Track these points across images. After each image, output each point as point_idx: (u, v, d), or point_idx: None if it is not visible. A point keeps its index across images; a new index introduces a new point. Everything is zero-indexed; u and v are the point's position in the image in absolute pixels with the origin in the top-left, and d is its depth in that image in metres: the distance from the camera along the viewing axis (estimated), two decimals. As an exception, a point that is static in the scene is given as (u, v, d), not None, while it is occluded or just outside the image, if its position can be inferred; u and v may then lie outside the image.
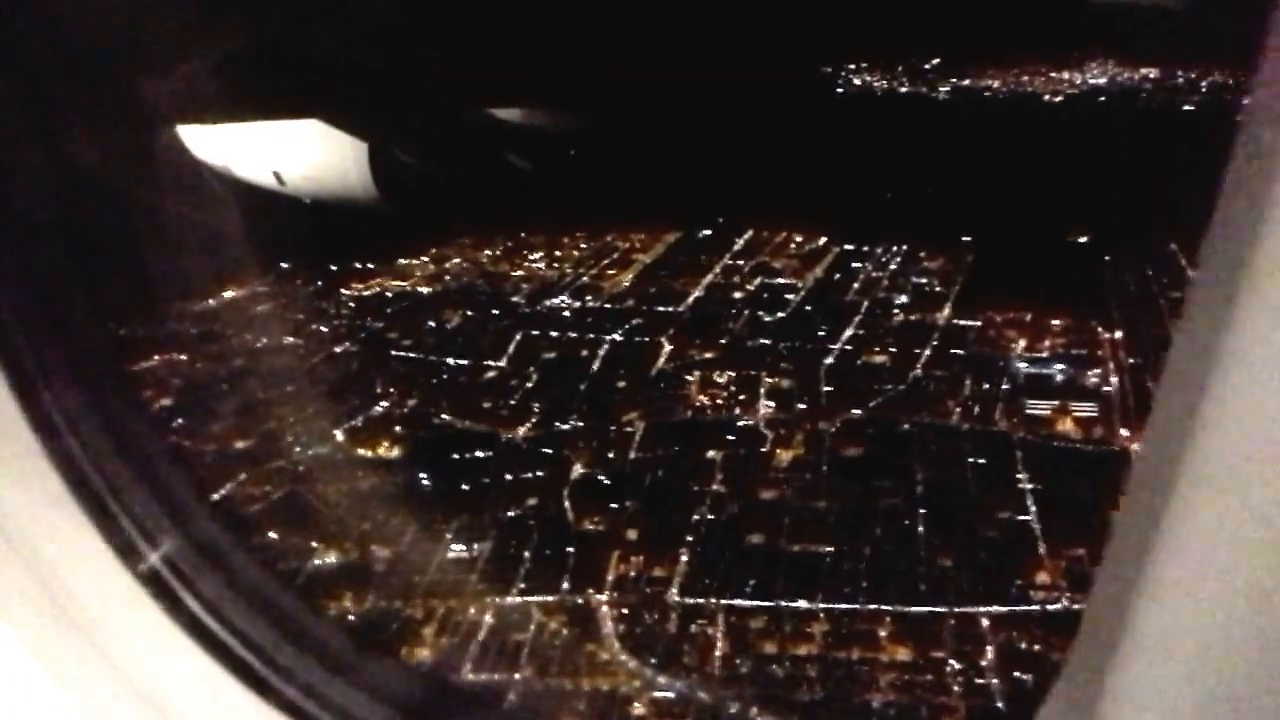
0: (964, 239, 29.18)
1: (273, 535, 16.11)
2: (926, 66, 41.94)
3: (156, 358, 23.98)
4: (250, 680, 1.94)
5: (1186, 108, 37.02)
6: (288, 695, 1.96)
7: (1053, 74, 41.43)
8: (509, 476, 17.63)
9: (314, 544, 15.97)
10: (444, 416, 20.26)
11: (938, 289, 25.69)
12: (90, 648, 1.86)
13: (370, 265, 30.28)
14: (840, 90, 41.53)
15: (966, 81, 42.25)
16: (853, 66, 41.17)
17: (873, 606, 13.90)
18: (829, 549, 14.86)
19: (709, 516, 15.86)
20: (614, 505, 16.48)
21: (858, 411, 19.04)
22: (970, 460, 16.84)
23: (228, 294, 27.47)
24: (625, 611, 14.35)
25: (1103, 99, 40.18)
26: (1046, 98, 41.27)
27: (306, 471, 18.36)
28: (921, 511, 15.50)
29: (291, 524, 16.67)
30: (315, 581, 14.81)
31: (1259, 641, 0.95)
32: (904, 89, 42.23)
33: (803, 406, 19.40)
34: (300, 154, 6.70)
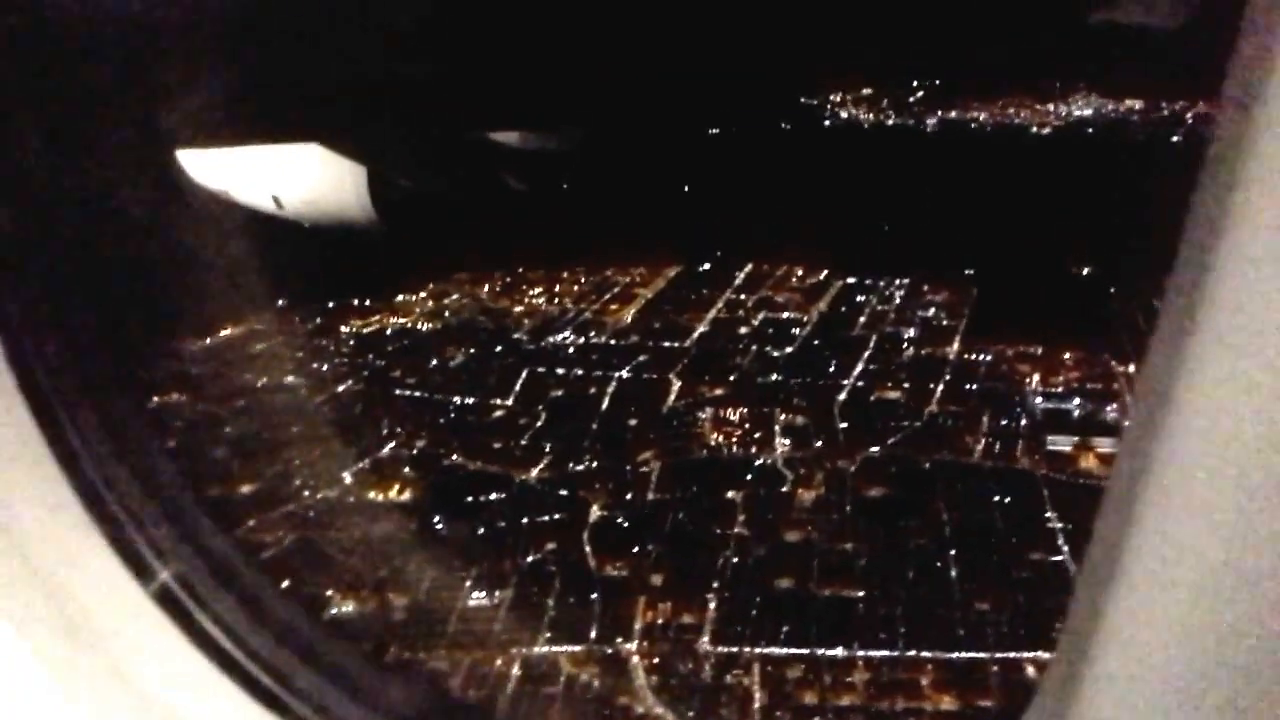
0: (966, 272, 29.12)
1: (285, 584, 15.65)
2: (911, 100, 42.25)
3: (155, 399, 23.57)
4: (264, 699, 1.95)
5: (1175, 139, 37.30)
6: (302, 714, 1.97)
7: (1038, 106, 41.72)
8: (525, 520, 17.25)
9: (329, 592, 15.53)
10: (455, 457, 19.88)
11: (945, 322, 25.58)
12: (103, 665, 1.87)
13: (369, 302, 29.98)
14: (828, 123, 41.84)
15: (953, 114, 42.48)
16: (837, 99, 41.56)
17: (912, 653, 13.58)
18: (861, 593, 14.54)
19: (734, 560, 15.52)
20: (636, 549, 16.12)
21: (876, 449, 18.78)
22: (996, 499, 16.58)
23: (225, 332, 27.15)
24: (657, 661, 13.96)
25: (1090, 130, 40.40)
26: (1034, 129, 41.52)
27: (316, 517, 17.95)
28: (952, 553, 15.21)
29: (304, 571, 16.24)
30: (333, 631, 14.36)
31: (1226, 638, 0.98)
32: (891, 121, 42.48)
33: (820, 444, 19.12)
34: (299, 178, 6.67)
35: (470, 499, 18.19)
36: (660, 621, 14.59)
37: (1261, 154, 0.88)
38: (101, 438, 2.04)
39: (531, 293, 30.48)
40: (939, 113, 42.14)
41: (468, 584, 15.45)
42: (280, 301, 28.22)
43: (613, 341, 25.93)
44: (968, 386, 21.28)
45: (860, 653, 13.60)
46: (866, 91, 41.30)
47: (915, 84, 40.59)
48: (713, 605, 14.70)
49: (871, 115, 42.20)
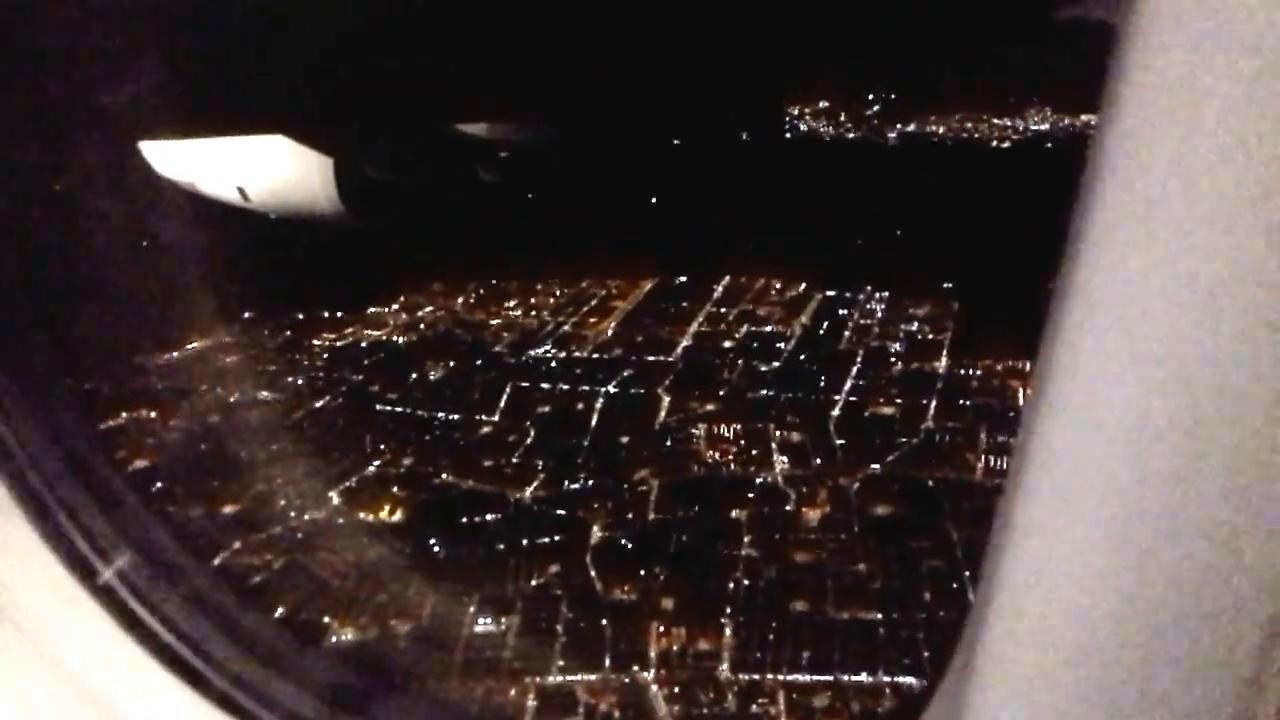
0: (945, 285, 29.19)
1: (280, 611, 15.02)
2: (868, 113, 42.54)
3: (124, 415, 22.74)
4: (183, 673, 1.95)
5: None
6: (220, 688, 1.97)
7: (995, 120, 42.16)
8: (525, 541, 16.77)
9: (326, 619, 14.92)
10: (445, 476, 19.32)
11: (930, 336, 25.52)
12: (21, 642, 1.87)
13: (340, 314, 29.29)
14: (789, 135, 41.94)
15: (911, 127, 42.84)
16: (795, 111, 41.68)
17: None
18: (879, 615, 14.26)
19: (745, 582, 15.17)
20: (642, 572, 15.71)
21: (876, 466, 18.58)
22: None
23: (193, 345, 26.31)
24: (677, 690, 13.55)
25: (1049, 145, 40.89)
26: (995, 143, 41.95)
27: (306, 539, 17.30)
28: (966, 574, 15.01)
29: (298, 597, 15.61)
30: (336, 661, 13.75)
31: (1095, 641, 1.01)
32: (851, 135, 42.71)
33: (819, 462, 18.88)
34: (265, 170, 6.47)
35: (465, 519, 17.65)
36: (676, 648, 14.18)
37: (1106, 148, 0.92)
38: (41, 437, 2.05)
39: (507, 305, 29.98)
40: (898, 126, 42.47)
41: (472, 609, 14.90)
42: (247, 314, 27.51)
43: (596, 355, 25.52)
44: (961, 402, 21.18)
45: (887, 679, 13.30)
46: (824, 104, 41.58)
47: (870, 97, 41.03)
48: (729, 631, 14.31)
49: (831, 128, 42.38)
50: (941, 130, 42.29)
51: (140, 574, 2.05)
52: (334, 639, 14.44)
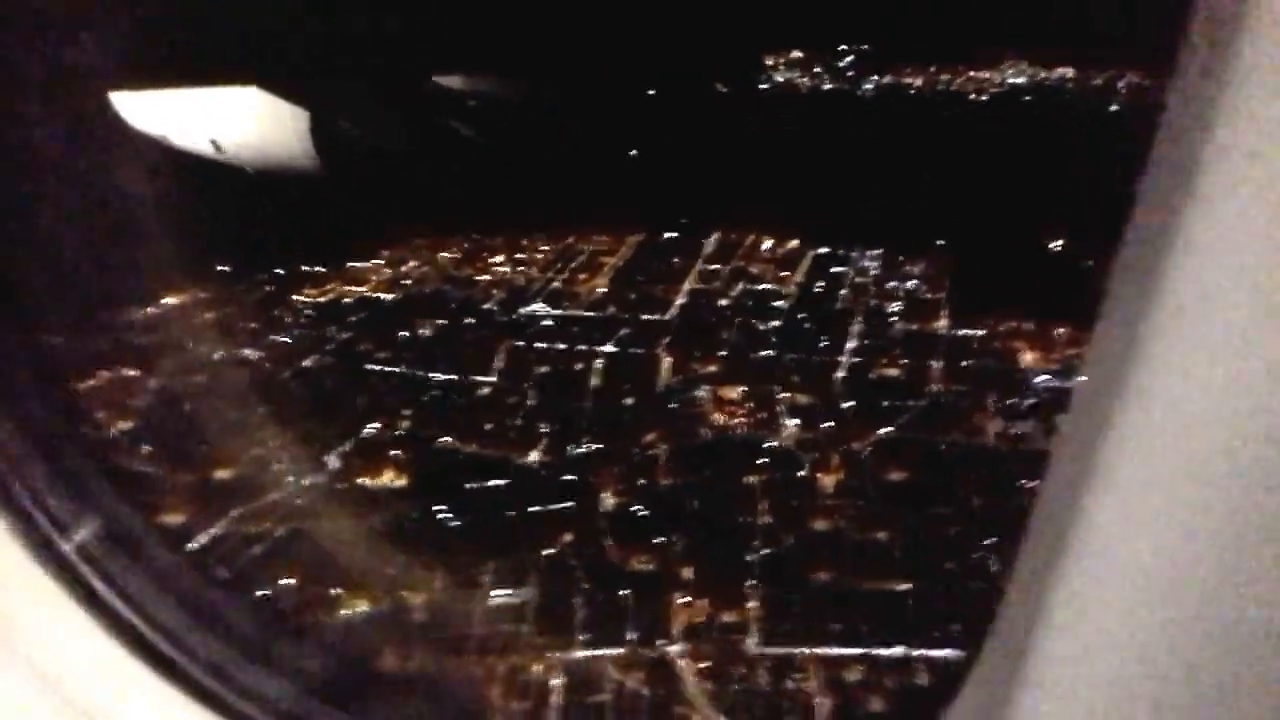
0: (939, 243, 28.89)
1: (288, 581, 14.53)
2: (841, 64, 41.98)
3: (105, 374, 21.93)
4: (156, 662, 1.85)
5: (1113, 108, 37.75)
6: (195, 676, 1.88)
7: (971, 74, 41.72)
8: (534, 509, 16.34)
9: (335, 591, 14.45)
10: (445, 439, 18.80)
11: (928, 295, 25.24)
12: None
13: (320, 269, 28.43)
14: (765, 87, 41.40)
15: (887, 79, 42.31)
16: (769, 63, 41.15)
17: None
18: (908, 586, 14.02)
19: (765, 551, 14.86)
20: (657, 540, 15.35)
21: (886, 430, 18.31)
22: (1021, 483, 16.24)
23: (167, 300, 25.42)
24: (707, 665, 13.24)
25: (1028, 99, 40.54)
26: (972, 96, 41.55)
27: (307, 505, 16.76)
28: (986, 542, 14.80)
29: (303, 567, 15.11)
30: (349, 636, 13.32)
31: (1164, 636, 1.00)
32: (827, 86, 42.13)
33: (830, 425, 18.58)
34: (239, 122, 6.47)
35: (469, 485, 17.18)
36: (700, 620, 13.86)
37: (1219, 140, 0.86)
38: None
39: (493, 260, 29.27)
40: (874, 78, 41.94)
41: (486, 580, 14.48)
42: (222, 268, 26.61)
43: (589, 314, 24.99)
44: (964, 364, 20.95)
45: (918, 652, 13.08)
46: (797, 55, 41.01)
47: (843, 49, 40.48)
48: (754, 602, 14.01)
49: (806, 79, 41.82)
50: (919, 82, 41.83)
51: (103, 548, 1.96)
52: (345, 611, 13.96)
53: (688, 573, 14.45)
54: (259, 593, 14.91)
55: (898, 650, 13.09)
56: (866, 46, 39.79)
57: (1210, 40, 0.86)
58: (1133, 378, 0.94)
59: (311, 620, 13.92)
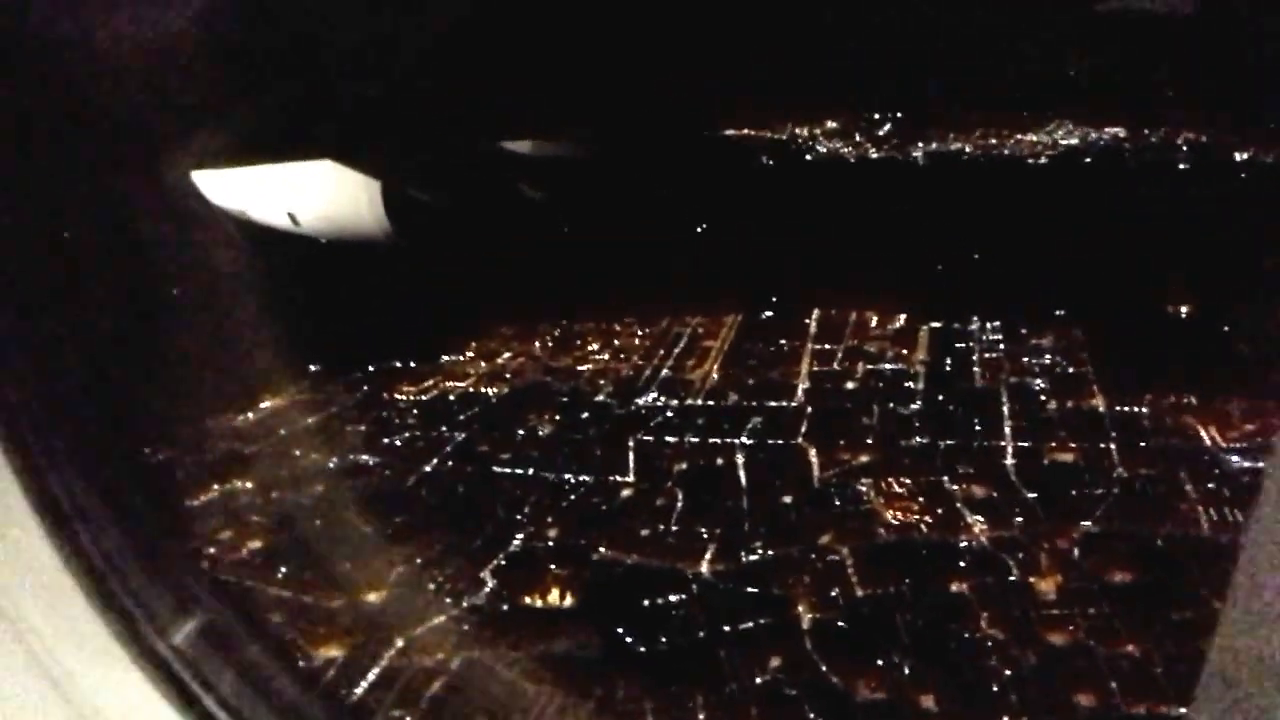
0: (1057, 312, 27.72)
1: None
2: (880, 132, 41.42)
3: (216, 487, 20.74)
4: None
5: (1182, 166, 36.83)
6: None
7: (1019, 136, 41.09)
8: (726, 628, 14.85)
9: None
10: (602, 549, 17.37)
11: (1070, 370, 23.88)
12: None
13: (413, 364, 27.39)
14: (809, 158, 40.66)
15: (934, 145, 41.70)
16: (804, 133, 40.47)
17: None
18: (1181, 710, 12.42)
19: (1008, 673, 13.30)
20: (880, 662, 13.82)
21: (1087, 524, 16.80)
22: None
23: (266, 403, 24.34)
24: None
25: (1087, 160, 39.77)
26: (1029, 160, 40.81)
27: (473, 632, 15.28)
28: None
29: (483, 709, 13.60)
30: None
31: None
32: (874, 154, 41.49)
33: (1021, 520, 17.09)
34: (314, 194, 6.62)
35: (646, 602, 15.70)
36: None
37: None
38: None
39: (590, 348, 28.18)
40: (921, 145, 41.31)
41: (701, 717, 12.94)
42: (313, 366, 25.53)
43: (712, 403, 23.70)
44: (1142, 444, 19.48)
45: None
46: (831, 125, 40.46)
47: (877, 116, 39.83)
48: (1018, 733, 12.44)
49: (850, 149, 41.21)
50: (967, 149, 41.10)
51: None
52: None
53: (928, 701, 12.86)
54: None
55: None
56: (898, 114, 39.21)
57: None
58: None
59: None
